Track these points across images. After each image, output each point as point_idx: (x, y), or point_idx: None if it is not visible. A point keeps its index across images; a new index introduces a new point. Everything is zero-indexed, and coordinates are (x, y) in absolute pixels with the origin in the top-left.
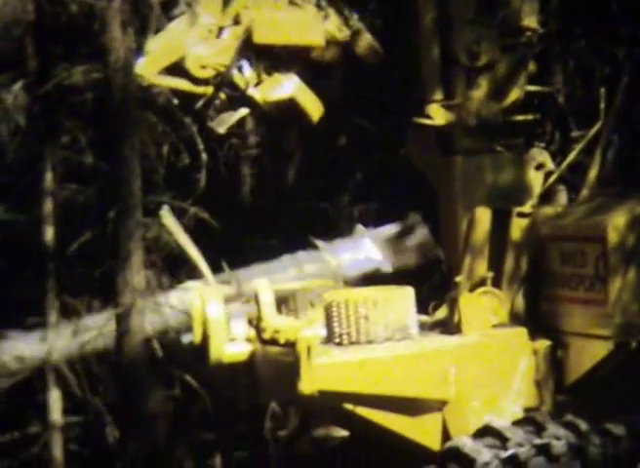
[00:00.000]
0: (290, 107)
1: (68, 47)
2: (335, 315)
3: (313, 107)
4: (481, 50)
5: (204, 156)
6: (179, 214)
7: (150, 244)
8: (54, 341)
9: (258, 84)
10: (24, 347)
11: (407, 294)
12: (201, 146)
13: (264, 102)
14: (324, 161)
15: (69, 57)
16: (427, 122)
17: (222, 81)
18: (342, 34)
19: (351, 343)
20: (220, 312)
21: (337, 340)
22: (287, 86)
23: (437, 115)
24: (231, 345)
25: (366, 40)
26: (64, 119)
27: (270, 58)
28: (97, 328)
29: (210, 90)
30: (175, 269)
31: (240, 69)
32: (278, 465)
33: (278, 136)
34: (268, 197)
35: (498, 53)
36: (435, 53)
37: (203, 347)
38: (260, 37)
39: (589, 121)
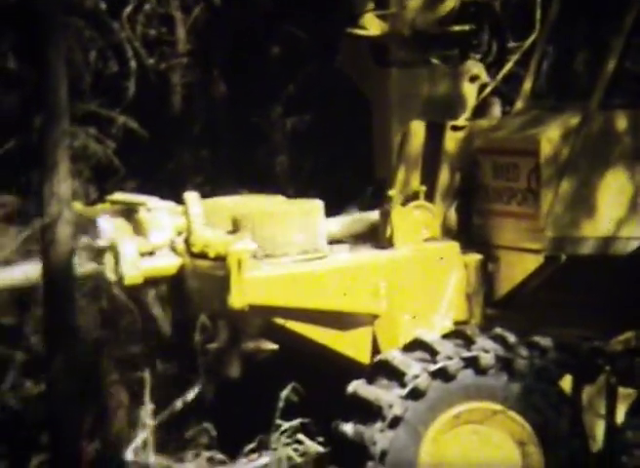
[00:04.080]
0: None
1: None
2: (245, 228)
3: None
4: None
5: (133, 63)
6: (106, 123)
7: (77, 153)
8: None
9: None
10: None
11: (316, 208)
12: (130, 53)
13: None
14: (256, 71)
15: None
16: (361, 32)
17: None
18: None
19: (266, 256)
20: (122, 224)
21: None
22: None
23: (371, 25)
24: (153, 258)
25: None
26: None
27: None
28: None
29: None
30: (102, 179)
31: None
32: (207, 378)
33: (209, 44)
34: (199, 107)
35: None
36: None
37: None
38: None
39: (525, 31)
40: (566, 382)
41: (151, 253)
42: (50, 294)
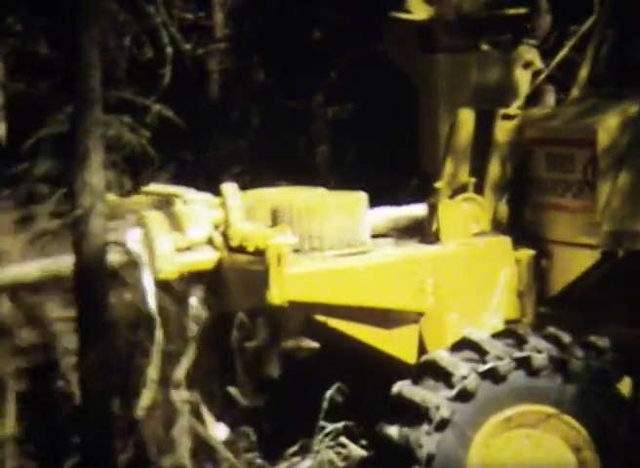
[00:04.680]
0: None
1: None
2: (284, 221)
3: None
4: None
5: (169, 49)
6: (141, 111)
7: (111, 143)
8: None
9: None
10: None
11: (359, 200)
12: (166, 39)
13: None
14: (297, 57)
15: None
16: (406, 17)
17: None
18: None
19: (307, 250)
20: (159, 217)
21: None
22: None
23: (417, 9)
24: (189, 253)
25: None
26: (15, 5)
27: None
28: None
29: None
30: (137, 170)
31: None
32: (245, 378)
33: (248, 29)
34: (237, 95)
35: None
36: None
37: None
38: None
39: (582, 15)
40: (624, 385)
41: (189, 249)
42: (81, 289)
